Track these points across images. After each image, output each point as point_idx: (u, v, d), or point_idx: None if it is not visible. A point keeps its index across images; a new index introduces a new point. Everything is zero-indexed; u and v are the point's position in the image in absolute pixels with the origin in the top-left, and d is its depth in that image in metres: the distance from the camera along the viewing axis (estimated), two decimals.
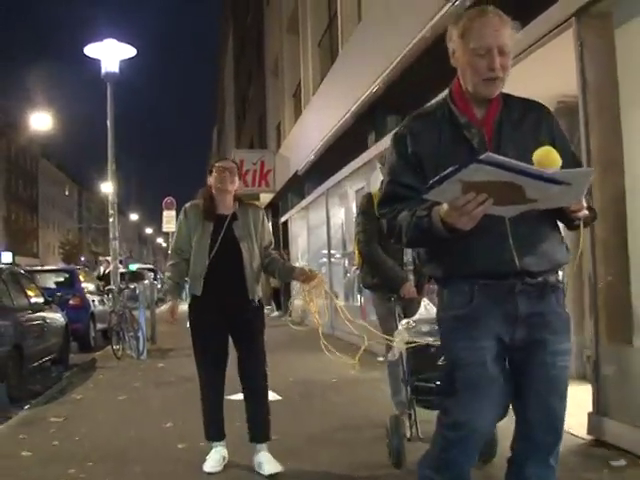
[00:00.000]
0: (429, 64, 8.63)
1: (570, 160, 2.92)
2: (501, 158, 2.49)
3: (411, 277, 5.94)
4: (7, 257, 73.39)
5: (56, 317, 11.98)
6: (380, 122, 11.57)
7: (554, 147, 2.78)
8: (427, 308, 5.11)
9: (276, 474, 5.04)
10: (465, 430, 2.97)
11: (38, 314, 10.86)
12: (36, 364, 10.38)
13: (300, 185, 20.41)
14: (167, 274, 5.70)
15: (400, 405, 5.75)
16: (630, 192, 5.30)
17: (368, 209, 5.94)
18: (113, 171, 15.09)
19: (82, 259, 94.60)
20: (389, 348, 5.65)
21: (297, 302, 9.47)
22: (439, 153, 3.01)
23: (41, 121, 44.79)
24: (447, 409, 3.08)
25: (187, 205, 5.57)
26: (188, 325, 5.44)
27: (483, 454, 4.50)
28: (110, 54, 14.50)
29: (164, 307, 19.51)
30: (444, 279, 3.12)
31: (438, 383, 4.65)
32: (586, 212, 2.85)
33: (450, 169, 2.50)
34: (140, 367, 11.44)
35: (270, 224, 5.46)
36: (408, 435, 5.09)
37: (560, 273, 3.11)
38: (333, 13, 16.02)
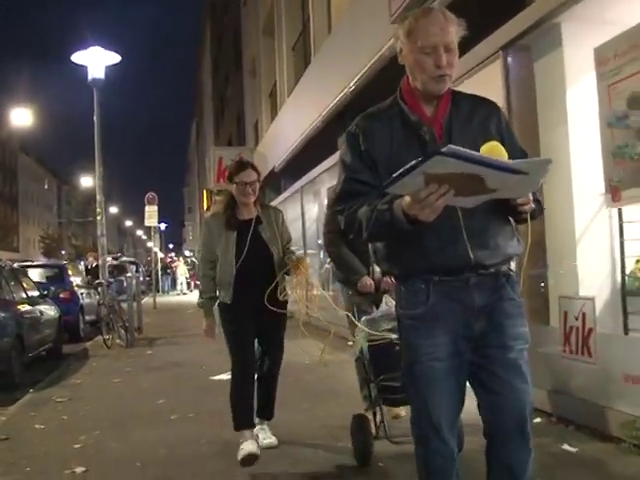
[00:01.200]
0: (392, 74, 9.59)
1: (519, 155, 3.00)
2: (463, 150, 2.53)
3: (377, 269, 5.78)
4: None
5: (50, 310, 12.80)
6: (348, 126, 12.50)
7: (503, 142, 2.91)
8: (388, 304, 5.18)
9: (270, 446, 5.49)
10: (428, 422, 3.03)
11: (35, 307, 11.71)
12: (34, 353, 11.24)
13: (277, 181, 21.26)
14: (200, 287, 5.83)
15: (366, 399, 5.76)
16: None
17: (334, 204, 6.18)
18: (100, 172, 15.81)
19: (62, 252, 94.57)
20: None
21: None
22: (391, 151, 3.07)
23: (21, 117, 45.36)
24: (412, 408, 3.18)
25: (208, 216, 5.77)
26: (217, 331, 5.64)
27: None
28: (96, 61, 15.25)
29: (146, 299, 20.18)
30: (401, 276, 3.19)
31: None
32: (532, 205, 2.91)
33: (413, 162, 2.55)
34: (130, 354, 12.37)
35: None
36: (374, 433, 5.14)
37: (512, 263, 3.17)
38: (306, 19, 16.81)
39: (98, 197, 15.79)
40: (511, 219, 3.06)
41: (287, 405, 6.46)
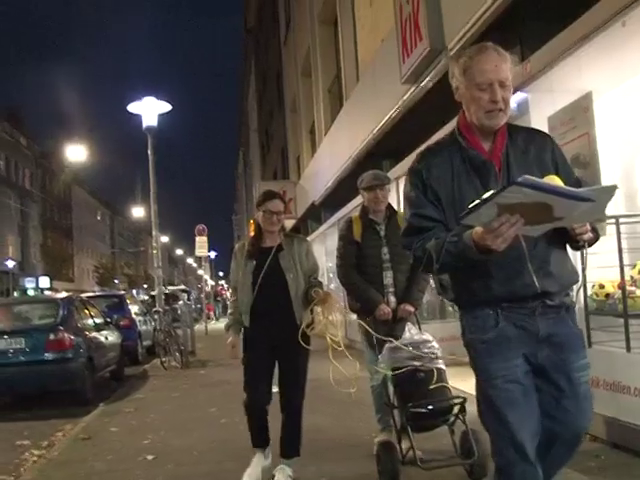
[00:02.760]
0: (412, 121, 10.93)
1: (575, 185, 2.96)
2: (536, 179, 2.58)
3: (392, 299, 5.92)
4: (45, 282, 75.79)
5: (114, 335, 14.20)
6: (376, 166, 13.86)
7: (557, 172, 3.05)
8: (411, 332, 5.26)
9: None
10: (512, 450, 3.04)
11: (101, 332, 13.18)
12: (101, 373, 12.74)
13: (317, 213, 22.62)
14: (229, 310, 6.09)
15: (382, 422, 5.96)
16: None
17: (347, 234, 6.10)
18: (155, 211, 17.34)
19: (116, 282, 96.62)
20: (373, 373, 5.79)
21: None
22: (453, 186, 3.14)
23: (76, 152, 48.01)
24: (490, 433, 3.18)
25: (236, 246, 5.90)
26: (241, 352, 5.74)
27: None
28: (149, 110, 16.68)
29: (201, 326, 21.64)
30: (467, 305, 3.22)
31: (430, 407, 4.88)
32: (590, 235, 2.96)
33: (489, 193, 2.63)
34: (185, 374, 13.84)
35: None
36: (401, 458, 5.18)
37: (571, 293, 3.24)
38: (339, 65, 18.17)
39: (154, 232, 17.33)
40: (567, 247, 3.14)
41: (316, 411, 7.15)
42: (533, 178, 2.56)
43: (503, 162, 3.12)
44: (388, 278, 5.92)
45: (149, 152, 16.96)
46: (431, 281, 6.07)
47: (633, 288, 6.14)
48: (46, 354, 10.74)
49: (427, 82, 9.55)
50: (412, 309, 5.90)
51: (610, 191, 2.72)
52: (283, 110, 32.02)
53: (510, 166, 3.10)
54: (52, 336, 10.86)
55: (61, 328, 11.05)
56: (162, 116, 17.09)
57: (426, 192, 3.17)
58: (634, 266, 6.28)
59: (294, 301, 5.44)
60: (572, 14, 5.90)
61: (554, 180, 2.82)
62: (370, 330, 5.48)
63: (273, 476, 5.43)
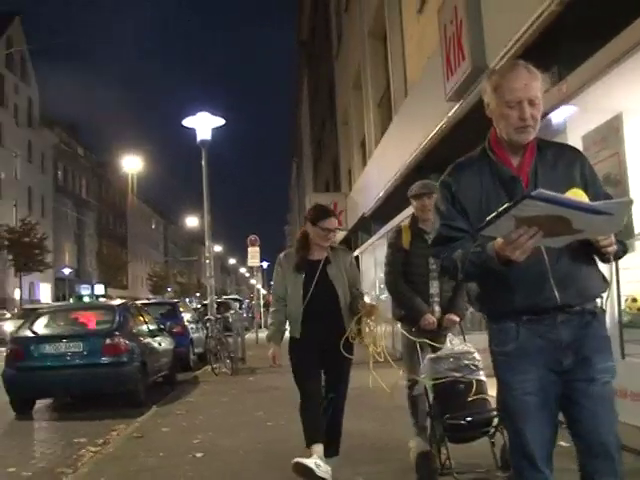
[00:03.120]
0: (457, 136, 11.20)
1: (604, 198, 3.11)
2: (551, 193, 2.63)
3: (437, 309, 5.99)
4: (100, 289, 77.33)
5: (166, 342, 14.69)
6: (424, 179, 14.10)
7: (586, 188, 3.10)
8: (452, 343, 5.26)
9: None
10: (523, 456, 3.15)
11: (155, 338, 13.67)
12: (154, 377, 13.22)
13: (368, 224, 22.88)
14: (270, 320, 6.21)
15: (420, 430, 5.96)
16: None
17: (396, 242, 6.20)
18: (209, 222, 17.92)
19: (169, 290, 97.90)
20: (413, 381, 5.92)
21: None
22: (481, 199, 3.22)
23: (132, 162, 49.30)
24: (510, 442, 3.30)
25: (281, 255, 6.04)
26: (289, 361, 5.88)
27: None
28: (203, 124, 17.25)
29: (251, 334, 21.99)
30: (492, 316, 3.30)
31: (469, 419, 4.87)
32: (615, 247, 3.02)
33: (505, 206, 2.68)
34: (234, 381, 14.30)
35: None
36: (439, 469, 5.19)
37: (597, 300, 3.24)
38: (388, 80, 18.49)
39: (207, 243, 17.87)
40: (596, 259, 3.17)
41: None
42: (547, 192, 2.62)
43: (531, 177, 3.19)
44: (434, 287, 5.99)
45: (203, 165, 17.50)
46: None
47: None
48: (102, 358, 11.27)
49: (470, 99, 9.81)
50: (457, 319, 5.98)
51: (626, 205, 2.84)
52: (335, 122, 32.31)
53: (537, 181, 3.14)
54: (109, 341, 11.40)
55: (117, 333, 11.59)
56: (215, 129, 17.61)
57: (454, 204, 3.28)
58: None
59: (343, 309, 5.67)
60: (606, 36, 6.15)
61: (577, 194, 2.89)
62: (412, 337, 5.66)
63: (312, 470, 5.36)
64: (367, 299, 6.33)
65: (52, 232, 65.28)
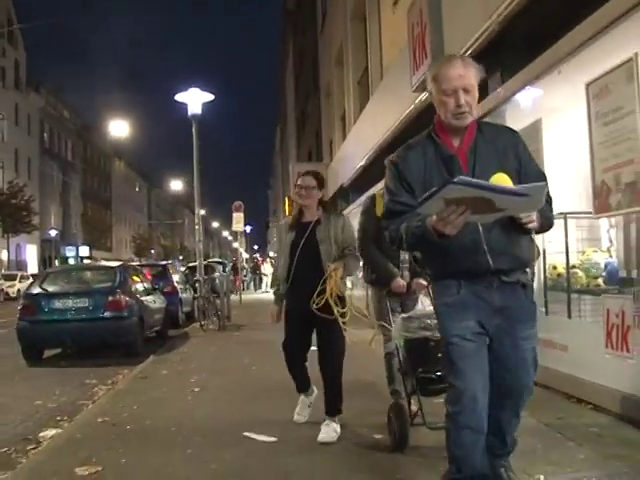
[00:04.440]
0: (425, 119, 12.55)
1: (534, 176, 3.47)
2: (470, 179, 2.95)
3: (406, 274, 6.23)
4: (85, 251, 78.17)
5: (159, 300, 16.10)
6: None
7: (521, 165, 3.49)
8: (423, 304, 5.37)
9: (324, 443, 5.64)
10: (465, 396, 3.44)
11: (149, 297, 15.10)
12: (150, 331, 14.74)
13: (346, 194, 24.14)
14: (271, 281, 6.71)
15: (395, 393, 6.20)
16: None
17: (369, 209, 6.36)
18: (198, 190, 19.34)
19: (152, 252, 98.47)
20: (387, 339, 6.15)
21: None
22: (425, 176, 3.52)
23: (119, 127, 50.18)
24: (450, 385, 3.59)
25: (283, 221, 6.45)
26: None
27: None
28: (194, 100, 18.47)
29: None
30: (435, 276, 3.68)
31: (439, 373, 4.91)
32: (536, 224, 3.37)
33: (432, 190, 2.99)
34: (221, 336, 15.79)
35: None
36: (410, 420, 5.33)
37: (528, 271, 3.62)
38: (367, 61, 19.67)
39: (197, 210, 19.33)
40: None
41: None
42: (467, 178, 3.00)
43: (469, 156, 3.53)
44: (404, 254, 6.17)
45: (194, 138, 18.84)
46: None
47: (576, 270, 7.67)
48: (105, 312, 12.81)
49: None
50: (425, 283, 6.05)
51: (541, 188, 3.15)
52: (318, 94, 33.15)
53: (476, 158, 3.52)
54: (111, 297, 12.91)
55: (118, 291, 13.09)
56: (205, 100, 18.78)
57: (401, 181, 3.60)
58: (583, 252, 7.80)
59: (326, 270, 5.75)
60: (534, 53, 7.50)
61: (501, 179, 3.24)
62: (382, 299, 5.98)
63: (320, 429, 5.80)
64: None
65: (38, 194, 66.04)
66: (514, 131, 3.81)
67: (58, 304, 12.87)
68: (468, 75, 3.47)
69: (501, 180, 3.22)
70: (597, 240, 7.53)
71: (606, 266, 7.18)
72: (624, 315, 5.86)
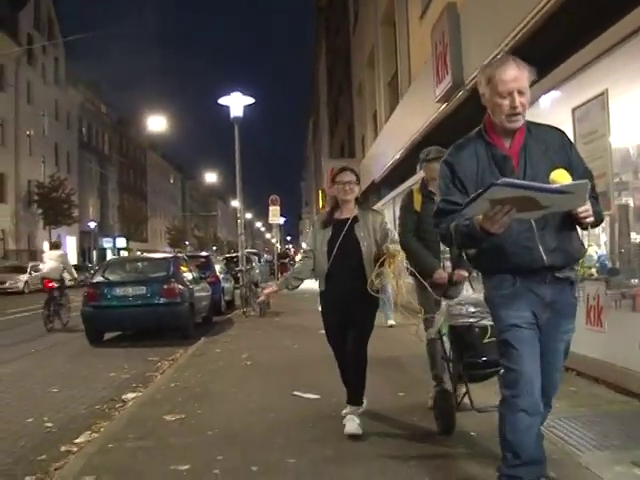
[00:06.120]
0: (446, 125, 13.83)
1: (582, 173, 3.54)
2: (512, 180, 3.05)
3: (448, 264, 6.29)
4: (122, 242, 79.79)
5: (205, 288, 17.58)
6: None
7: (571, 165, 3.50)
8: (468, 292, 5.57)
9: (352, 435, 5.64)
10: (523, 380, 3.50)
11: (197, 285, 16.55)
12: (198, 317, 16.25)
13: (378, 190, 25.29)
14: (295, 273, 6.26)
15: (436, 378, 6.17)
16: None
17: (407, 204, 6.45)
18: (241, 190, 20.73)
19: (186, 243, 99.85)
20: (428, 327, 6.00)
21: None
22: (477, 176, 3.57)
23: (157, 122, 51.28)
24: (506, 370, 3.64)
25: (316, 216, 7.38)
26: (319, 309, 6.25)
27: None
28: (236, 103, 19.82)
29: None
30: (490, 271, 3.72)
31: (484, 359, 5.00)
32: (592, 218, 3.42)
33: (477, 192, 3.11)
34: (263, 321, 17.22)
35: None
36: (456, 405, 5.46)
37: (577, 268, 3.68)
38: (397, 65, 20.68)
39: (238, 205, 20.80)
40: (578, 228, 3.56)
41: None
42: (510, 180, 3.07)
43: (520, 156, 3.56)
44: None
45: (236, 140, 20.17)
46: None
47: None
48: (161, 299, 14.35)
49: (454, 103, 12.49)
50: (466, 274, 6.22)
51: (583, 186, 3.20)
52: (350, 90, 34.05)
53: (527, 159, 3.55)
54: (166, 286, 14.44)
55: (172, 280, 14.63)
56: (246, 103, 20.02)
57: (454, 180, 3.63)
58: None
59: (366, 266, 5.73)
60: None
61: (560, 174, 3.34)
62: (428, 287, 5.80)
63: (345, 421, 5.82)
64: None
65: (77, 187, 67.47)
66: (562, 131, 3.85)
67: (119, 291, 14.42)
68: (522, 77, 3.52)
69: (561, 175, 3.36)
70: (594, 236, 8.66)
71: (599, 258, 8.19)
72: (599, 298, 7.15)
